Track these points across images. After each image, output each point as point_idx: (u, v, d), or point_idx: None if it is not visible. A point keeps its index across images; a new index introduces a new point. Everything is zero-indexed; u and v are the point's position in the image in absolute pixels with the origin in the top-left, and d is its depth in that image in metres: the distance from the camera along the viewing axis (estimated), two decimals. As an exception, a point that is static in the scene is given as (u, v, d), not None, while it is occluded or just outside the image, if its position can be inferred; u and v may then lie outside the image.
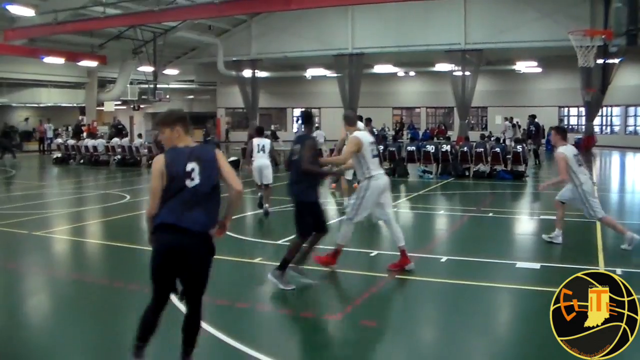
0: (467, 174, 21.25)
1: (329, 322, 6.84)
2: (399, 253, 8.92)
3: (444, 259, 9.45)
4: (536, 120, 29.81)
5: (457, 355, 5.93)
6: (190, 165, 4.83)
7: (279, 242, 10.85)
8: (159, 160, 4.87)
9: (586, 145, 34.36)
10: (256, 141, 14.12)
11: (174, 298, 5.23)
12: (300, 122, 7.53)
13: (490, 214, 13.90)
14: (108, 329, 6.60)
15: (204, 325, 6.43)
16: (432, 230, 12.99)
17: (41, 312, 7.60)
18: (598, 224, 12.10)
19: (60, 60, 35.68)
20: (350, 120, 9.23)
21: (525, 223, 13.46)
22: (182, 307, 6.66)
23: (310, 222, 7.99)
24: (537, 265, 8.93)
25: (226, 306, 7.30)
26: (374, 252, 9.85)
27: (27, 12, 28.22)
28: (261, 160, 13.85)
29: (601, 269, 8.63)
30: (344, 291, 8.33)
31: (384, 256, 9.78)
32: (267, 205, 13.63)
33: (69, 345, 6.19)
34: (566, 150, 9.88)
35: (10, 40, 32.44)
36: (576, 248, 10.38)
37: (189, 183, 4.80)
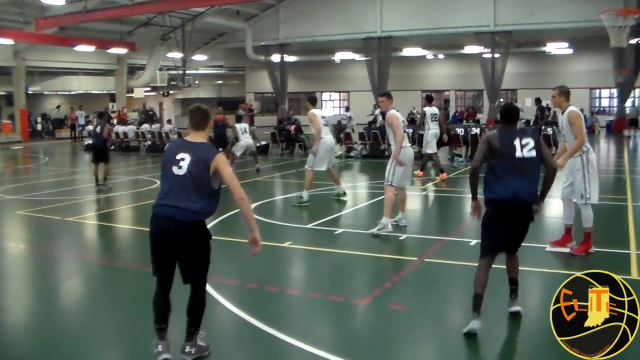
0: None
1: (358, 306, 6.86)
2: (433, 237, 9.07)
3: (473, 242, 9.41)
4: (542, 103, 29.45)
5: (487, 339, 5.92)
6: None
7: (308, 226, 10.91)
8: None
9: (618, 128, 33.84)
10: (238, 126, 19.05)
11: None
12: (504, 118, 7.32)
13: (521, 197, 13.78)
14: (139, 313, 6.69)
15: (234, 308, 6.52)
16: (462, 213, 12.93)
17: (75, 296, 7.74)
18: (630, 207, 12.00)
19: (91, 48, 35.93)
20: (567, 94, 8.47)
21: (554, 206, 13.31)
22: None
23: None
24: (567, 249, 8.86)
25: (255, 289, 7.36)
26: (403, 236, 9.84)
27: (57, 1, 28.41)
28: (247, 140, 18.85)
29: (633, 252, 8.56)
30: (373, 275, 8.35)
31: (413, 240, 9.78)
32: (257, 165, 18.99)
33: (101, 328, 6.30)
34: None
35: (42, 30, 32.73)
36: (607, 231, 10.28)
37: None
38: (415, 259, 8.71)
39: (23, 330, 6.43)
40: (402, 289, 7.54)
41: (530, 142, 6.08)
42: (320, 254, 9.26)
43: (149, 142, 28.91)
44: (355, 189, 16.48)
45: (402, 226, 10.41)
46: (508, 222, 6.10)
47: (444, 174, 16.39)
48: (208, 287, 7.16)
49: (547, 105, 33.62)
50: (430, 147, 16.83)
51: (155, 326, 5.24)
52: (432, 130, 16.79)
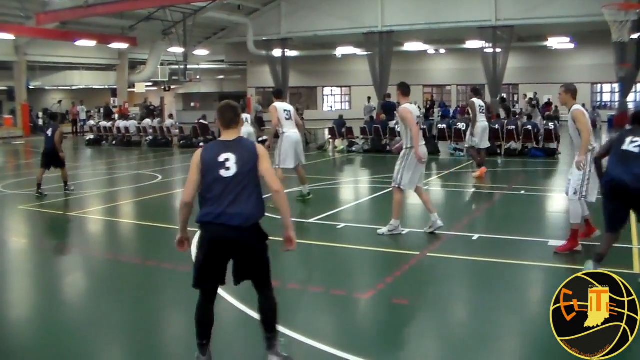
0: (498, 151, 21.09)
1: (360, 300, 6.86)
2: (432, 232, 9.15)
3: (475, 236, 9.42)
4: (506, 102, 29.50)
5: (489, 333, 5.92)
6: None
7: (310, 220, 10.90)
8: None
9: (620, 122, 33.79)
10: (242, 115, 17.08)
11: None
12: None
13: (522, 192, 13.80)
14: (141, 308, 6.70)
15: (236, 302, 6.51)
16: (464, 208, 12.94)
17: (77, 291, 7.74)
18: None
19: (92, 43, 35.89)
20: (573, 92, 8.55)
21: (557, 201, 13.33)
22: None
23: None
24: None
25: (258, 284, 7.35)
26: (406, 230, 9.84)
27: (58, -5, 28.47)
28: (247, 129, 17.59)
29: (635, 247, 8.56)
30: (375, 269, 8.35)
31: (415, 234, 9.77)
32: None
33: (103, 323, 6.30)
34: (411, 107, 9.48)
35: (43, 24, 32.70)
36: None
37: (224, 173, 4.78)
38: (418, 253, 8.70)
39: (26, 325, 6.44)
40: (405, 284, 7.53)
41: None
42: (323, 248, 9.25)
43: (150, 137, 28.91)
44: (358, 183, 16.49)
45: (439, 227, 9.59)
46: (614, 200, 7.02)
47: (483, 169, 15.62)
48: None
49: (549, 99, 33.69)
50: (483, 143, 16.01)
51: (198, 341, 4.91)
52: (481, 123, 15.87)
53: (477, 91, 16.81)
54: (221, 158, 4.78)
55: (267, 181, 4.84)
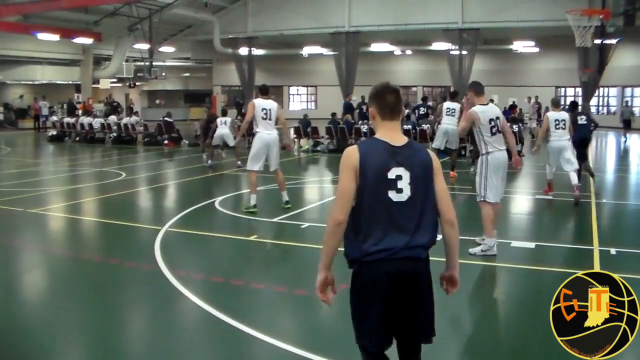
0: (463, 152, 21.22)
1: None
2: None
3: (438, 237, 9.44)
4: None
5: (450, 333, 5.95)
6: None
7: (275, 220, 10.85)
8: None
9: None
10: (221, 119, 19.59)
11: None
12: None
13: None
14: (103, 306, 6.61)
15: (199, 302, 6.46)
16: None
17: (37, 288, 7.61)
18: (593, 204, 12.15)
19: (55, 37, 35.37)
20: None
21: (520, 202, 13.47)
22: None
23: None
24: (532, 245, 8.95)
25: (221, 283, 7.32)
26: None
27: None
28: (221, 130, 19.10)
29: (595, 248, 8.67)
30: (338, 269, 8.29)
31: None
32: (239, 162, 18.01)
33: (64, 322, 6.21)
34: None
35: (4, 17, 32.13)
36: (571, 228, 10.43)
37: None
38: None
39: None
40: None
41: None
42: (286, 247, 9.23)
43: (114, 134, 28.58)
44: (322, 183, 16.49)
45: (492, 255, 8.38)
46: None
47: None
48: (173, 281, 7.13)
49: (514, 102, 34.19)
50: (451, 144, 16.61)
51: None
52: (443, 125, 16.64)
53: (453, 94, 17.46)
54: (391, 174, 3.56)
55: (440, 205, 3.82)
